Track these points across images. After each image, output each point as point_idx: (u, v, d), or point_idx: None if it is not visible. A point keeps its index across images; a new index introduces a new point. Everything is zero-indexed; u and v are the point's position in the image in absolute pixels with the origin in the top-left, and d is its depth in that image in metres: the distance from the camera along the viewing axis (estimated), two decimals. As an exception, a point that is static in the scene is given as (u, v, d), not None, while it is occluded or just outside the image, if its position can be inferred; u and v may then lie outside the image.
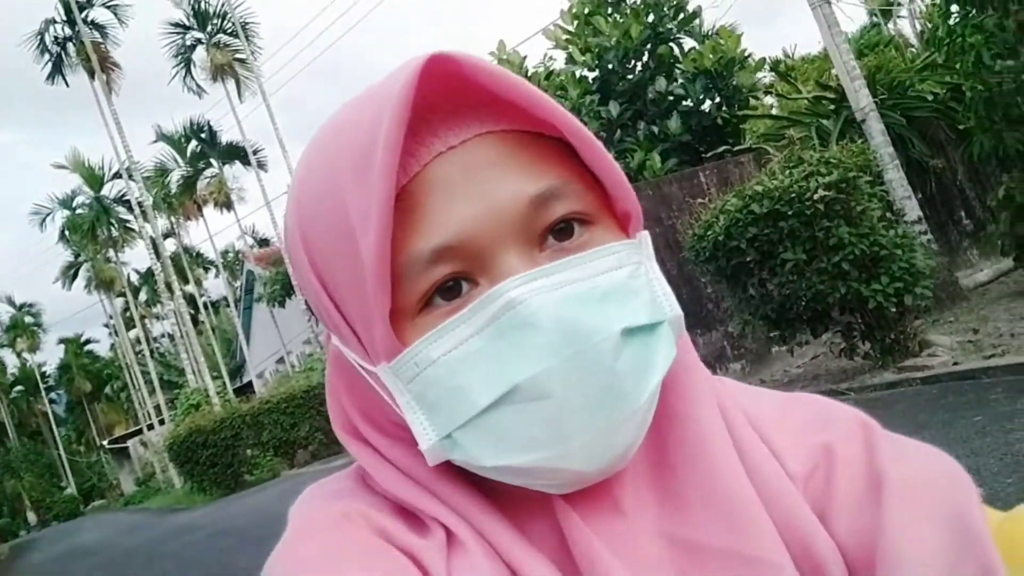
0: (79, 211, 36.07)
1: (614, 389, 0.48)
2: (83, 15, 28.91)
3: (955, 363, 6.79)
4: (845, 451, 0.56)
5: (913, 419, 5.80)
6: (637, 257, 0.54)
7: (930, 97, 11.40)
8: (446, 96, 0.52)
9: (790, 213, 7.12)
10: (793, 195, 7.12)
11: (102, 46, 29.67)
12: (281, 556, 0.51)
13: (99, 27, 30.15)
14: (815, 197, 6.98)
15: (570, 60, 13.34)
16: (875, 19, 23.10)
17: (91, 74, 28.86)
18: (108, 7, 30.28)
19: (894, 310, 7.08)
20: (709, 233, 7.71)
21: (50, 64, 30.42)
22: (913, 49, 15.21)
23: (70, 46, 30.11)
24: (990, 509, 0.53)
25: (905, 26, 24.87)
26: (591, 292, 0.49)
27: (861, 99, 10.14)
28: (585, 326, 0.48)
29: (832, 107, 11.58)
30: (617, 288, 0.51)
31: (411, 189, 0.49)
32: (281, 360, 34.54)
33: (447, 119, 0.51)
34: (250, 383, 36.56)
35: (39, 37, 30.09)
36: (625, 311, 0.50)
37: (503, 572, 0.50)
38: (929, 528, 0.49)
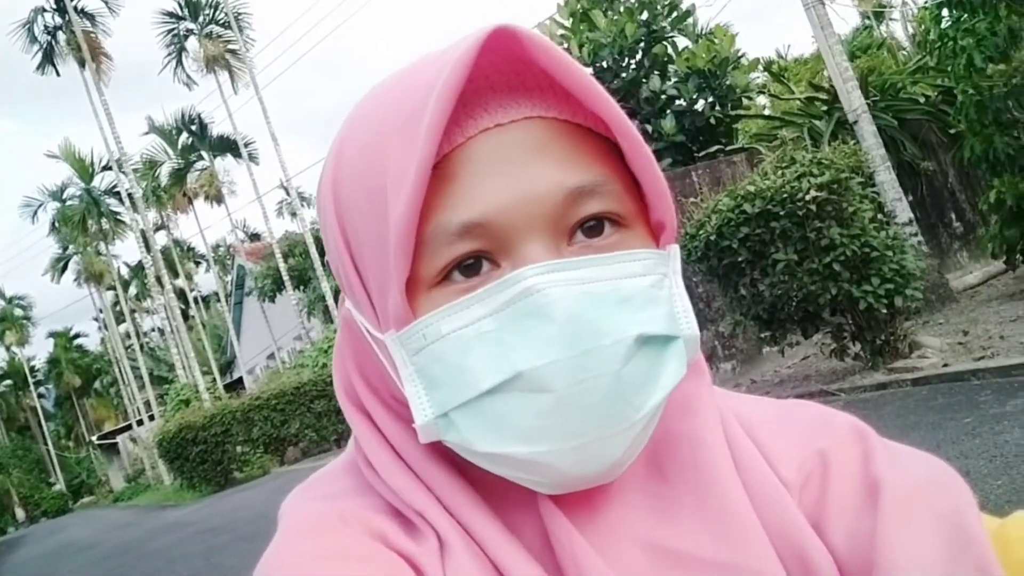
0: (69, 203, 35.88)
1: (616, 395, 0.48)
2: (73, 3, 28.67)
3: (945, 365, 6.82)
4: (840, 458, 0.56)
5: (903, 420, 5.83)
6: (663, 269, 0.53)
7: (922, 100, 11.47)
8: (503, 72, 0.51)
9: (782, 213, 7.14)
10: (785, 195, 7.13)
11: (92, 35, 29.46)
12: (277, 556, 0.50)
13: (89, 16, 29.91)
14: (807, 198, 7.00)
15: (565, 56, 13.32)
16: (867, 21, 23.19)
17: (81, 64, 28.62)
18: (98, -5, 30.12)
19: (884, 311, 7.11)
20: (701, 232, 7.73)
21: (40, 54, 30.17)
22: (905, 52, 15.27)
23: (60, 35, 29.85)
24: (986, 515, 0.53)
25: (897, 29, 24.98)
26: (611, 294, 0.49)
27: (853, 101, 10.18)
28: (598, 326, 0.47)
29: (824, 108, 11.63)
30: (638, 295, 0.50)
31: (451, 159, 0.49)
32: (272, 356, 34.45)
33: (499, 96, 0.51)
34: (240, 379, 36.46)
35: (28, 26, 29.82)
36: (642, 318, 0.49)
37: (491, 574, 0.50)
38: (926, 534, 0.49)
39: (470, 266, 0.49)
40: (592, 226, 0.51)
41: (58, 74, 30.63)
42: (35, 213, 36.37)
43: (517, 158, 0.49)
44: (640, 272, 0.51)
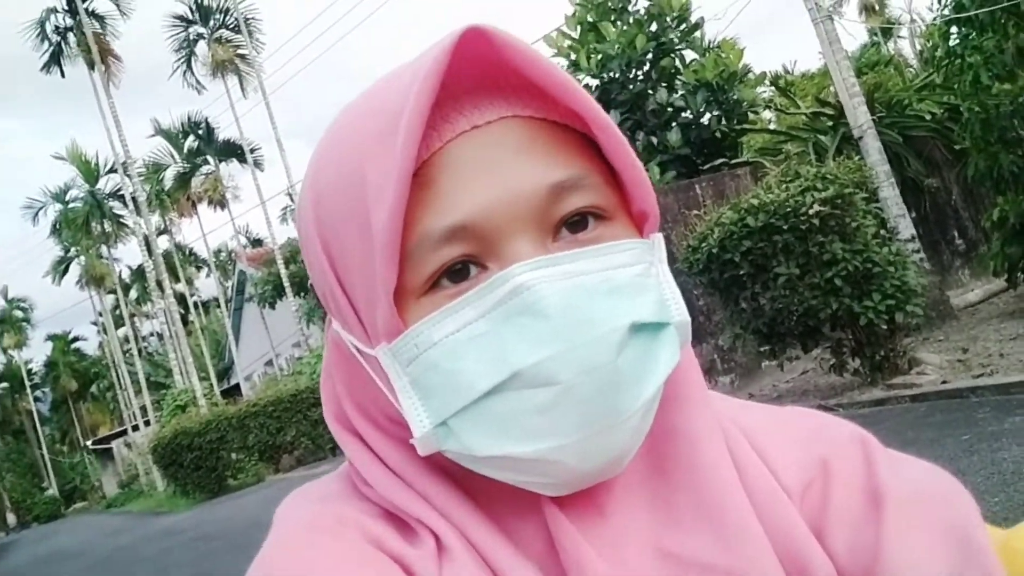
0: (72, 205, 35.98)
1: (615, 384, 0.47)
2: (85, 4, 28.83)
3: (944, 382, 6.81)
4: (842, 466, 0.56)
5: (901, 437, 5.81)
6: (650, 257, 0.53)
7: (927, 117, 11.49)
8: (477, 73, 0.51)
9: (785, 227, 7.14)
10: (788, 209, 7.13)
11: (103, 37, 29.60)
12: (271, 557, 0.49)
13: (100, 18, 30.09)
14: (810, 212, 7.00)
15: (573, 66, 13.35)
16: (875, 38, 23.29)
17: (91, 65, 28.78)
18: (111, -3, 30.23)
19: (885, 327, 7.10)
20: (704, 245, 7.72)
21: (48, 53, 30.31)
22: (912, 69, 15.31)
23: (71, 36, 30.02)
24: (991, 527, 0.52)
25: (905, 46, 25.09)
26: (601, 285, 0.48)
27: (859, 116, 10.19)
28: (592, 317, 0.47)
29: (830, 123, 11.65)
30: (627, 284, 0.50)
31: (430, 164, 0.49)
32: (270, 363, 34.44)
33: (474, 98, 0.51)
34: (237, 385, 36.46)
35: (40, 26, 30.00)
36: (633, 306, 0.49)
37: None
38: (931, 543, 0.49)
39: (458, 272, 0.49)
40: (576, 221, 0.51)
41: (63, 75, 30.81)
42: (36, 215, 36.48)
43: (496, 158, 0.49)
44: (628, 262, 0.51)
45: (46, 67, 30.58)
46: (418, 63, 0.48)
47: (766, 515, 0.52)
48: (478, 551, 0.50)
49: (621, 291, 0.49)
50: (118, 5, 30.06)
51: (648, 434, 0.52)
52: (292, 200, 29.66)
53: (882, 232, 7.68)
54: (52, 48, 30.24)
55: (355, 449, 0.56)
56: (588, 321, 0.47)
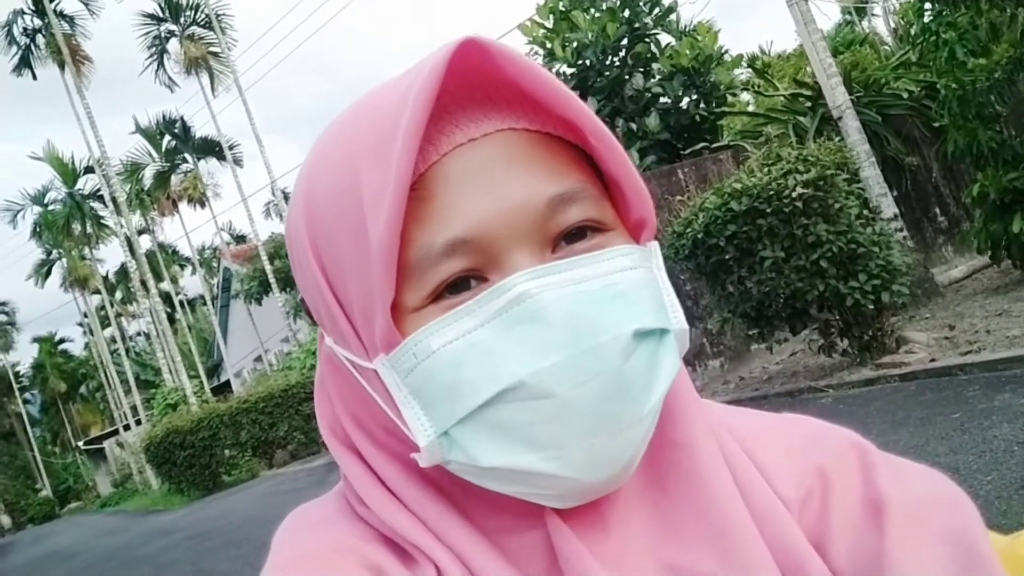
0: (51, 207, 35.59)
1: (621, 391, 0.47)
2: (53, 5, 28.36)
3: (932, 360, 6.85)
4: (840, 474, 0.55)
5: (891, 416, 5.84)
6: (648, 263, 0.53)
7: (905, 95, 11.50)
8: (473, 86, 0.51)
9: (768, 211, 7.16)
10: (771, 192, 7.15)
11: (73, 38, 29.17)
12: None
13: (69, 18, 29.63)
14: (793, 195, 7.02)
15: (549, 56, 13.31)
16: (848, 17, 23.28)
17: (61, 66, 28.34)
18: (79, -3, 29.80)
19: (871, 307, 7.14)
20: (688, 231, 7.73)
21: (17, 56, 29.84)
22: (887, 47, 15.33)
23: (40, 38, 29.55)
24: (993, 533, 0.52)
25: (879, 24, 25.10)
26: (603, 291, 0.48)
27: (837, 96, 10.21)
28: (596, 324, 0.47)
29: (809, 104, 11.65)
30: (629, 290, 0.50)
31: (427, 178, 0.48)
32: (259, 359, 34.30)
33: (469, 111, 0.50)
34: (228, 382, 36.26)
35: (7, 28, 29.49)
36: (635, 312, 0.49)
37: None
38: (934, 553, 0.48)
39: (458, 285, 0.48)
40: (573, 234, 0.51)
41: (34, 77, 30.30)
42: (15, 217, 36.06)
43: (494, 172, 0.48)
44: (629, 266, 0.51)
45: (16, 70, 30.09)
46: (413, 74, 0.48)
47: (764, 526, 0.51)
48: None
49: (623, 297, 0.49)
50: (87, 5, 29.60)
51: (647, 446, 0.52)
52: (274, 195, 29.47)
53: (865, 212, 7.71)
54: (21, 51, 29.75)
55: (351, 464, 0.55)
56: (592, 328, 0.46)
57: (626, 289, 0.49)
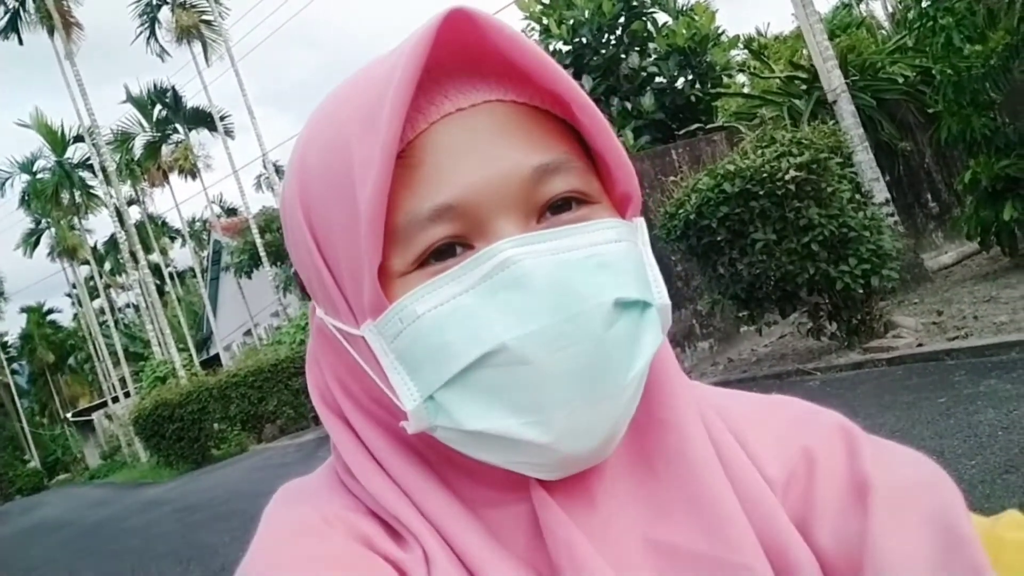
0: (40, 175, 35.25)
1: (602, 359, 0.48)
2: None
3: (919, 344, 6.89)
4: (826, 456, 0.56)
5: (878, 400, 5.89)
6: (633, 238, 0.54)
7: (900, 80, 11.49)
8: (460, 56, 0.51)
9: (761, 193, 7.16)
10: (765, 175, 7.15)
11: (63, 2, 28.73)
12: (258, 560, 0.49)
13: (60, -17, 29.13)
14: (786, 177, 7.02)
15: (545, 32, 13.22)
16: (846, 0, 23.19)
17: (50, 32, 27.93)
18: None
19: (861, 291, 7.17)
20: (681, 211, 7.74)
21: (5, 20, 29.32)
22: (884, 31, 15.28)
23: (29, 2, 29.10)
24: (975, 515, 0.53)
25: (877, 8, 25.02)
26: (587, 260, 0.49)
27: (833, 80, 10.19)
28: (579, 291, 0.47)
29: (804, 87, 11.63)
30: (612, 260, 0.50)
31: (415, 146, 0.49)
32: (248, 332, 34.21)
33: (457, 82, 0.51)
34: (217, 355, 36.21)
35: (-3, -10, 29.01)
36: (618, 282, 0.50)
37: None
38: (917, 536, 0.49)
39: (444, 251, 0.49)
40: (559, 205, 0.51)
41: (20, 42, 29.74)
42: (2, 185, 35.70)
43: (481, 141, 0.49)
44: (613, 239, 0.51)
45: (3, 33, 29.56)
46: (402, 45, 0.49)
47: (749, 506, 0.52)
48: (459, 555, 0.50)
49: (607, 267, 0.50)
50: (78, -31, 29.15)
51: (632, 424, 0.52)
52: (265, 168, 29.28)
53: (857, 196, 7.72)
54: (9, 15, 29.28)
55: (340, 432, 0.56)
56: (574, 295, 0.47)
57: (610, 260, 0.50)
